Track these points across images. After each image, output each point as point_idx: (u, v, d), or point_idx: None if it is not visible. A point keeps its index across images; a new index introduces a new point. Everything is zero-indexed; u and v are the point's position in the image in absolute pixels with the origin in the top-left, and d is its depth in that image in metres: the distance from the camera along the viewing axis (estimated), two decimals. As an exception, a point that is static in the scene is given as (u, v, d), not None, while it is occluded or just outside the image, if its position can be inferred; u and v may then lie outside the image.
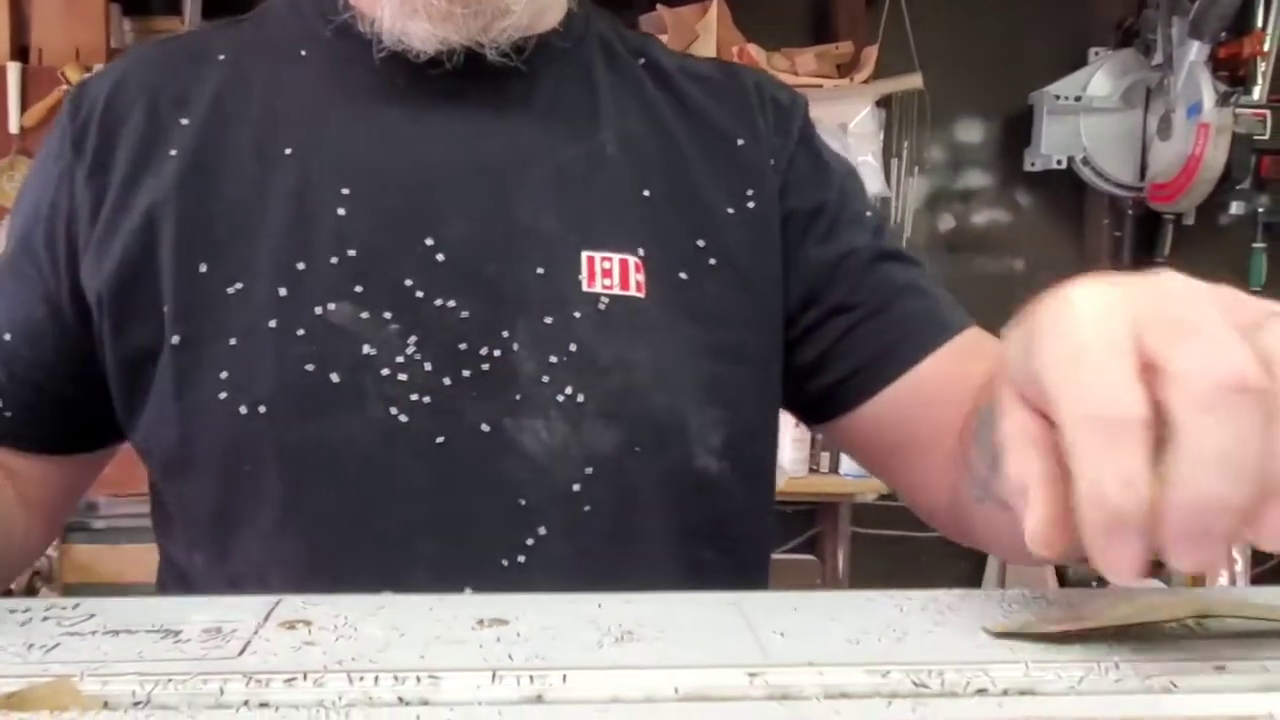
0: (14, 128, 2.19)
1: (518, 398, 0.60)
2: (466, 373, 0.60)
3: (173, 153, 0.62)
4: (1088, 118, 2.44)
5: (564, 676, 0.36)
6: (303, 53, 0.66)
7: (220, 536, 0.61)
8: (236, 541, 0.60)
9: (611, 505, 0.61)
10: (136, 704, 0.35)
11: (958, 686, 0.37)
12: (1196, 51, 2.25)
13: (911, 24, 2.40)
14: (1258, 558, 2.26)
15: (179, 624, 0.40)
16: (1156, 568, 0.35)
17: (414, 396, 0.59)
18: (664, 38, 2.23)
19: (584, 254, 0.62)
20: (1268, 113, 2.30)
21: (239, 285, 0.60)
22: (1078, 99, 2.43)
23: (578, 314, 0.61)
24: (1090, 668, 0.38)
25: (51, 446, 0.66)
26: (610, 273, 0.62)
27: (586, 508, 0.60)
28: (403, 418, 0.59)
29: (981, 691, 0.36)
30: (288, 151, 0.62)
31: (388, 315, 0.59)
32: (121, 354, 0.62)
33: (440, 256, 0.60)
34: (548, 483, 0.60)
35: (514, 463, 0.60)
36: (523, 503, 0.60)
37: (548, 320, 0.61)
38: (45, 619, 0.41)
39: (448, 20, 0.60)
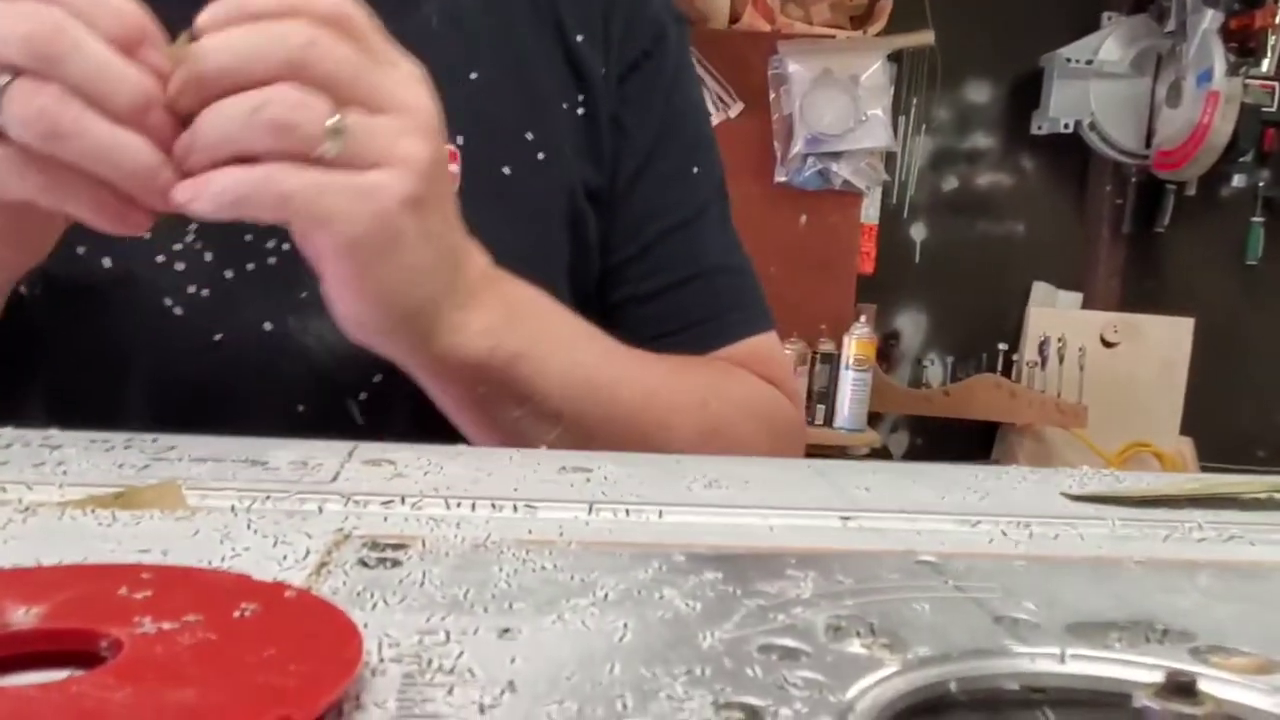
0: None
1: (304, 295, 0.55)
2: (250, 266, 0.56)
3: None
4: (1098, 83, 2.44)
5: (660, 512, 0.37)
6: None
7: None
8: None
9: (400, 417, 0.57)
10: (235, 514, 0.35)
11: (1047, 538, 0.37)
12: (1210, 20, 2.26)
13: (927, -22, 2.39)
14: None
15: (263, 457, 0.40)
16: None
17: (191, 288, 0.55)
18: (679, -19, 2.22)
19: None
20: (1276, 85, 2.30)
21: None
22: (1089, 63, 2.43)
23: None
24: (1174, 527, 0.38)
25: None
26: None
27: (371, 418, 0.57)
28: (177, 310, 0.55)
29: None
30: None
31: None
32: None
33: None
34: (329, 390, 0.57)
35: (293, 366, 0.56)
36: (300, 409, 0.56)
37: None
38: (128, 447, 0.41)
39: None
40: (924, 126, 2.52)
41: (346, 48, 0.42)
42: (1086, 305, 2.64)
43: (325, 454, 0.41)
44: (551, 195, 0.61)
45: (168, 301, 0.55)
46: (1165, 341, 2.56)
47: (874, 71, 2.23)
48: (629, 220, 0.65)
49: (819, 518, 0.37)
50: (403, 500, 0.36)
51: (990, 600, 0.28)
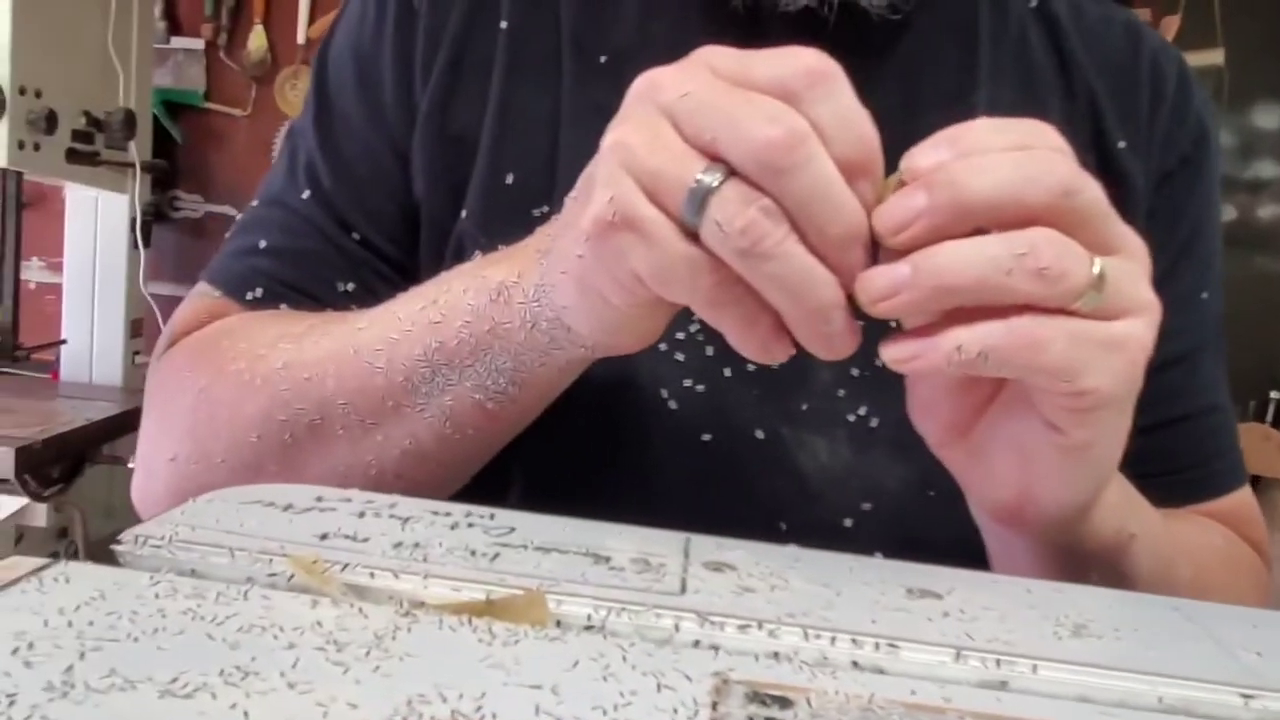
0: (301, 38, 2.29)
1: (804, 408, 0.53)
2: (751, 367, 0.53)
3: (503, 23, 0.57)
4: None
5: (1034, 667, 0.34)
6: None
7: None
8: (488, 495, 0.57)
9: (885, 552, 0.52)
10: (589, 627, 0.34)
11: None
12: None
13: (1220, -5, 2.21)
14: None
15: (604, 549, 0.40)
16: None
17: (687, 382, 0.53)
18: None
19: None
20: None
21: (545, 209, 0.55)
22: (1402, 90, 2.19)
23: (893, 321, 0.54)
24: None
25: None
26: None
27: (855, 549, 0.54)
28: (672, 404, 0.53)
29: None
30: (602, 60, 0.57)
31: None
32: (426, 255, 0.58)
33: None
34: (816, 511, 0.54)
35: (783, 481, 0.53)
36: (783, 528, 0.54)
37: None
38: (470, 525, 0.41)
39: None
40: (1202, 152, 2.34)
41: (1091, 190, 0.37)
42: (1375, 355, 2.39)
43: (662, 549, 0.40)
44: None
45: (664, 393, 0.53)
46: None
47: (1153, 93, 2.08)
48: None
49: (1213, 691, 0.33)
50: (759, 625, 0.34)
51: None
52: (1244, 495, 0.62)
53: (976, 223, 0.36)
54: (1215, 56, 2.17)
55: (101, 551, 0.36)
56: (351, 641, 0.29)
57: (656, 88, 0.37)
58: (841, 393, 0.53)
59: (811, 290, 0.36)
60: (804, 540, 0.52)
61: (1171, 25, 2.14)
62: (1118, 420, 0.40)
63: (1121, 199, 0.56)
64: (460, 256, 0.56)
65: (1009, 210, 0.35)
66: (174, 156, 2.29)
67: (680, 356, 0.53)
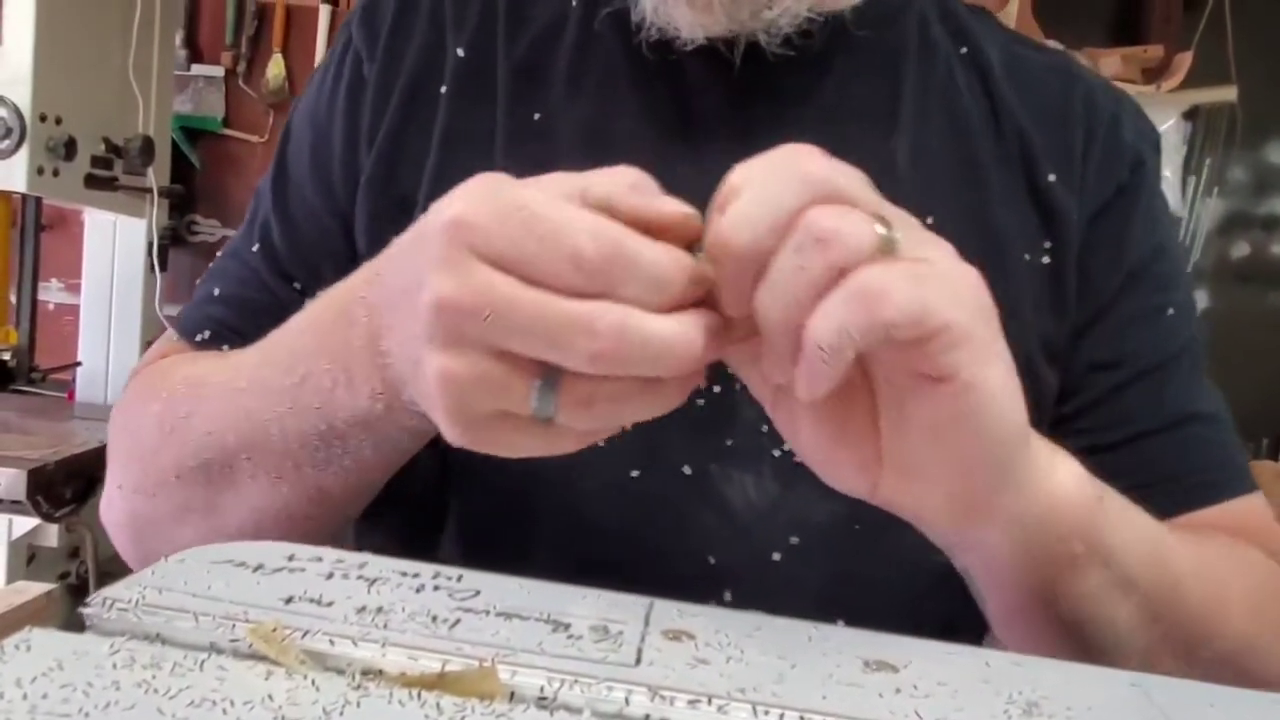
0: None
1: (729, 443, 0.54)
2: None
3: (443, 90, 0.60)
4: None
5: (984, 749, 0.34)
6: (573, 2, 0.61)
7: (403, 540, 0.60)
8: (416, 544, 0.58)
9: (814, 585, 0.54)
10: (542, 700, 0.35)
11: None
12: None
13: (1233, 33, 2.21)
14: None
15: (565, 615, 0.40)
16: None
17: None
18: (958, 27, 2.14)
19: None
20: None
21: None
22: None
23: None
24: None
25: None
26: None
27: (783, 582, 0.54)
28: (600, 442, 0.53)
29: None
30: (536, 117, 0.59)
31: None
32: None
33: None
34: (745, 546, 0.54)
35: (711, 516, 0.54)
36: (712, 561, 0.54)
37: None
38: (436, 588, 0.42)
39: (708, 9, 0.53)
40: (1216, 189, 2.33)
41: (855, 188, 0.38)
42: (1390, 393, 2.37)
43: (624, 615, 0.41)
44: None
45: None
46: None
47: (1166, 130, 2.08)
48: (1089, 364, 0.60)
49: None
50: (709, 701, 0.35)
51: None
52: (1255, 503, 0.60)
53: (762, 257, 0.37)
54: (1228, 93, 2.17)
55: (111, 571, 0.37)
56: (301, 717, 0.30)
57: (463, 252, 0.37)
58: (765, 428, 0.54)
59: (673, 400, 0.39)
60: (736, 573, 0.53)
61: (1184, 62, 2.14)
62: (990, 355, 0.39)
63: (1054, 229, 0.57)
64: None
65: (781, 225, 0.36)
66: (192, 181, 2.32)
67: None
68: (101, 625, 0.36)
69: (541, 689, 0.35)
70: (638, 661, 0.37)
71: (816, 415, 0.41)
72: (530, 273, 0.36)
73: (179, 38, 2.26)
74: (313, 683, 0.32)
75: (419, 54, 0.61)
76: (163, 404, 0.56)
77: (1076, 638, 0.48)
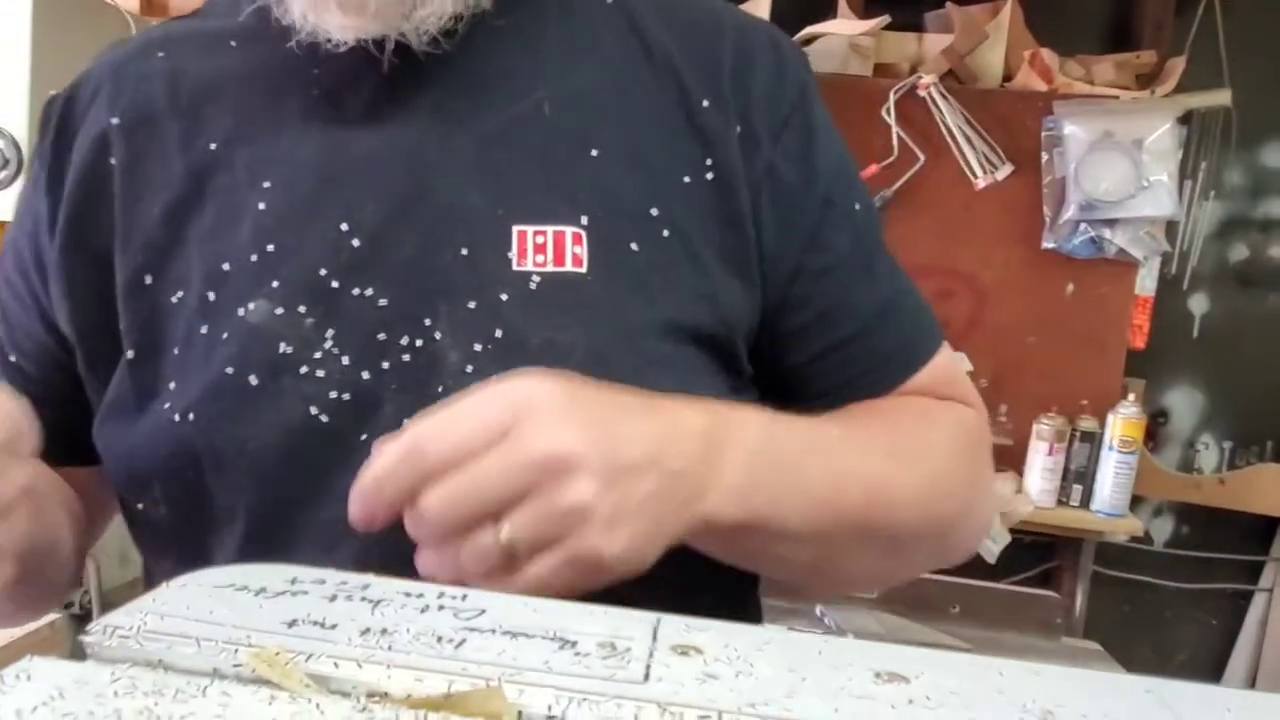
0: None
1: (440, 389, 0.56)
2: (386, 364, 0.56)
3: (113, 161, 0.62)
4: None
5: (998, 759, 0.33)
6: (232, 43, 0.64)
7: (172, 546, 0.61)
8: (187, 549, 0.59)
9: None
10: (550, 719, 0.34)
11: None
12: None
13: (1225, 37, 2.21)
14: None
15: (571, 632, 0.40)
16: None
17: (333, 394, 0.56)
18: (951, 37, 2.15)
19: (514, 229, 0.57)
20: None
21: (180, 294, 0.59)
22: None
23: (504, 296, 0.56)
24: None
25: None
26: (544, 248, 0.57)
27: None
28: (323, 417, 0.56)
29: None
30: (212, 147, 0.61)
31: (302, 309, 0.57)
32: (88, 369, 0.63)
33: (355, 242, 0.57)
34: None
35: None
36: None
37: (471, 305, 0.56)
38: (441, 608, 0.41)
39: (361, 11, 0.56)
40: (1212, 192, 2.33)
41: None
42: (1393, 393, 2.37)
43: (632, 630, 0.40)
44: (680, 269, 0.60)
45: (314, 410, 0.56)
46: None
47: (1160, 135, 2.08)
48: (816, 269, 0.64)
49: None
50: (719, 716, 0.34)
51: None
52: (943, 360, 0.67)
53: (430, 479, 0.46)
54: (1222, 97, 2.18)
55: (115, 601, 0.36)
56: (305, 741, 0.30)
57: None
58: (470, 368, 0.56)
59: None
60: None
61: (1177, 67, 2.15)
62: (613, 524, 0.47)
63: (714, 150, 0.62)
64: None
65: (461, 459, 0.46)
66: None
67: (321, 373, 0.57)
68: (103, 653, 0.35)
69: (549, 707, 0.34)
70: (646, 678, 0.37)
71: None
72: None
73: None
74: (317, 706, 0.32)
75: (85, 143, 0.63)
76: None
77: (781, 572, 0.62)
